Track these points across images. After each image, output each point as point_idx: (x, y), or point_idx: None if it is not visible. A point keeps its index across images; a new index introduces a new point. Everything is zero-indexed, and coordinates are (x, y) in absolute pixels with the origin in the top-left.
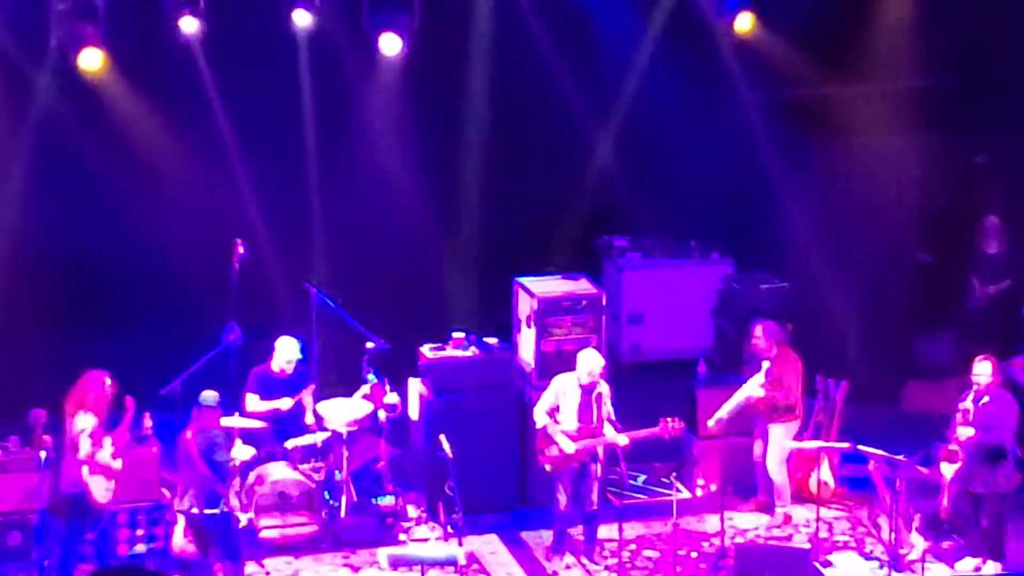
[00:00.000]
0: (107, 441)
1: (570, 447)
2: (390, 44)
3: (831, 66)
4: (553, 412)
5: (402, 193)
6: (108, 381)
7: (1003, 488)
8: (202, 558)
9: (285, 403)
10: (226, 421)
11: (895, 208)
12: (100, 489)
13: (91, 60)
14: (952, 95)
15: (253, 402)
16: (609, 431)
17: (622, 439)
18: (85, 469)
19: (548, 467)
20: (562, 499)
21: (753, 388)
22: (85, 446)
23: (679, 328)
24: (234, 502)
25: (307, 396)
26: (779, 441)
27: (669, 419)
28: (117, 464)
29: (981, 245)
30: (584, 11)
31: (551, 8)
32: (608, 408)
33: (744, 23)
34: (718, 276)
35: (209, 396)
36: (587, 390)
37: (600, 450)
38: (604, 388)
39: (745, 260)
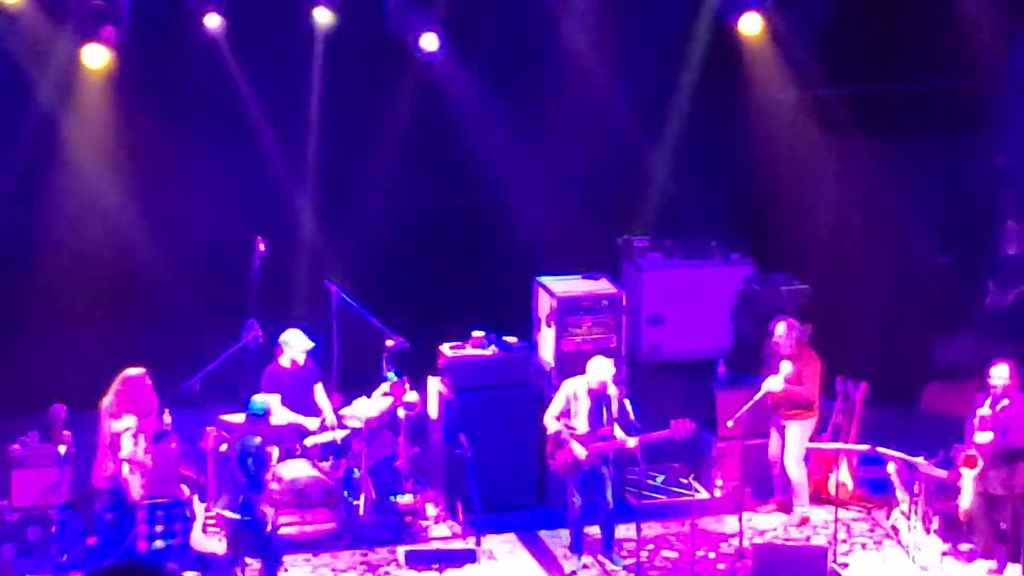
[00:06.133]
0: (141, 437)
1: (582, 452)
2: (430, 43)
3: (852, 67)
4: (563, 416)
5: (421, 191)
6: (148, 381)
7: (1021, 490)
8: (228, 558)
9: (312, 422)
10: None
11: (915, 210)
12: (135, 485)
13: (96, 57)
14: (973, 97)
15: (275, 403)
16: (619, 433)
17: (631, 441)
18: (125, 467)
19: (559, 471)
20: (576, 501)
21: (773, 384)
22: (128, 446)
23: (699, 329)
24: (267, 510)
25: (320, 394)
26: (796, 439)
27: (679, 420)
28: (148, 459)
29: (1000, 247)
30: (612, 12)
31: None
32: (625, 409)
33: (751, 24)
34: (738, 277)
35: (262, 402)
36: (596, 394)
37: (613, 453)
38: (613, 391)
39: (765, 261)
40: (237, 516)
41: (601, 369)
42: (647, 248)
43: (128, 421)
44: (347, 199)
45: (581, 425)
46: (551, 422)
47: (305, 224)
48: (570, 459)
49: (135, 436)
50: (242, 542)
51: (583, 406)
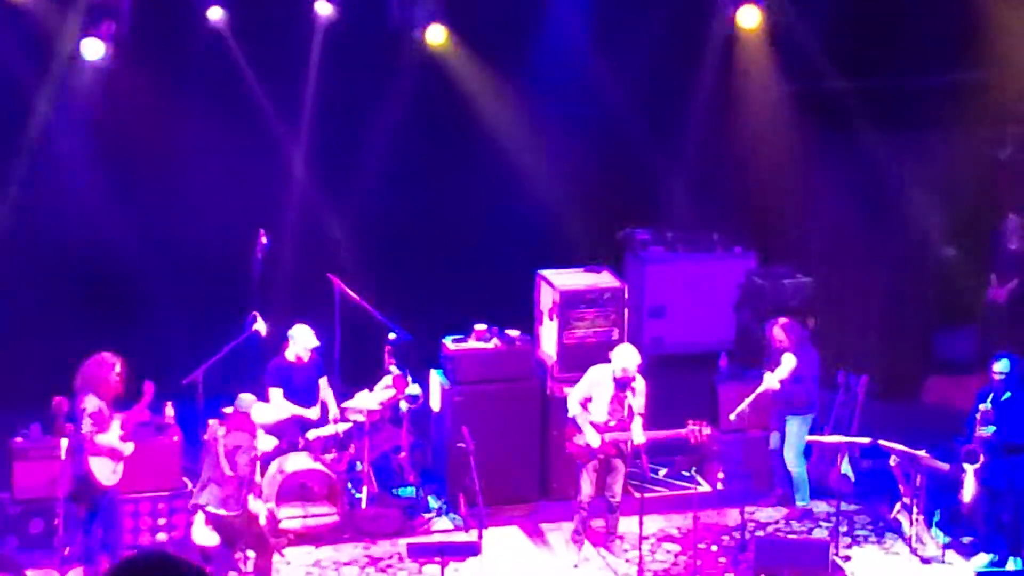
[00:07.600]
0: (115, 424)
1: (595, 441)
2: (435, 34)
3: (856, 60)
4: (585, 403)
5: (424, 184)
6: (117, 367)
7: (1023, 484)
8: (225, 550)
9: (313, 412)
10: (256, 413)
11: (918, 203)
12: (105, 472)
13: (95, 51)
14: (976, 90)
15: (277, 396)
16: (636, 426)
17: (638, 438)
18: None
19: (575, 456)
20: (586, 489)
21: (773, 381)
22: (85, 426)
23: (701, 322)
24: (253, 505)
25: (324, 388)
26: (796, 433)
27: (696, 424)
28: (127, 447)
29: (1002, 241)
30: (614, 5)
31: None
32: (639, 403)
33: (752, 16)
34: (741, 270)
35: (246, 400)
36: (620, 384)
37: (628, 445)
38: (639, 384)
39: (768, 254)
40: (223, 511)
41: (625, 357)
42: (649, 241)
43: (86, 402)
44: (349, 192)
45: (599, 413)
46: (573, 405)
47: (307, 217)
48: (585, 446)
49: (104, 420)
50: (233, 536)
51: (604, 394)
